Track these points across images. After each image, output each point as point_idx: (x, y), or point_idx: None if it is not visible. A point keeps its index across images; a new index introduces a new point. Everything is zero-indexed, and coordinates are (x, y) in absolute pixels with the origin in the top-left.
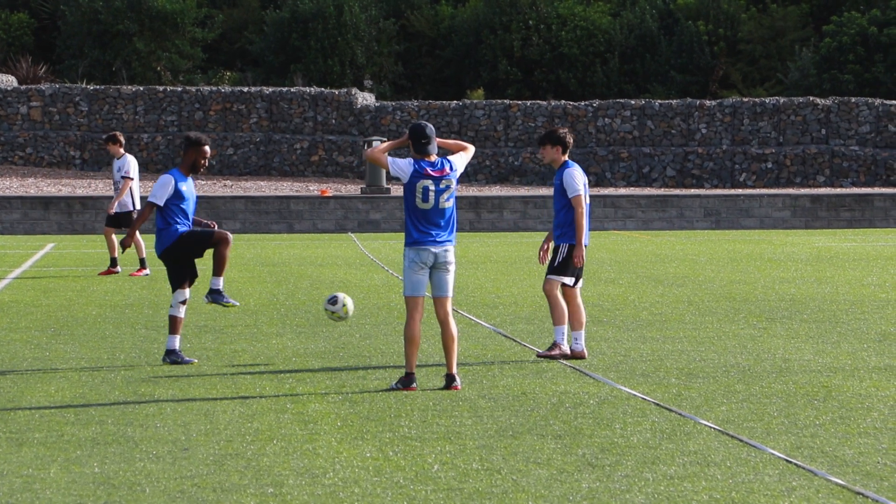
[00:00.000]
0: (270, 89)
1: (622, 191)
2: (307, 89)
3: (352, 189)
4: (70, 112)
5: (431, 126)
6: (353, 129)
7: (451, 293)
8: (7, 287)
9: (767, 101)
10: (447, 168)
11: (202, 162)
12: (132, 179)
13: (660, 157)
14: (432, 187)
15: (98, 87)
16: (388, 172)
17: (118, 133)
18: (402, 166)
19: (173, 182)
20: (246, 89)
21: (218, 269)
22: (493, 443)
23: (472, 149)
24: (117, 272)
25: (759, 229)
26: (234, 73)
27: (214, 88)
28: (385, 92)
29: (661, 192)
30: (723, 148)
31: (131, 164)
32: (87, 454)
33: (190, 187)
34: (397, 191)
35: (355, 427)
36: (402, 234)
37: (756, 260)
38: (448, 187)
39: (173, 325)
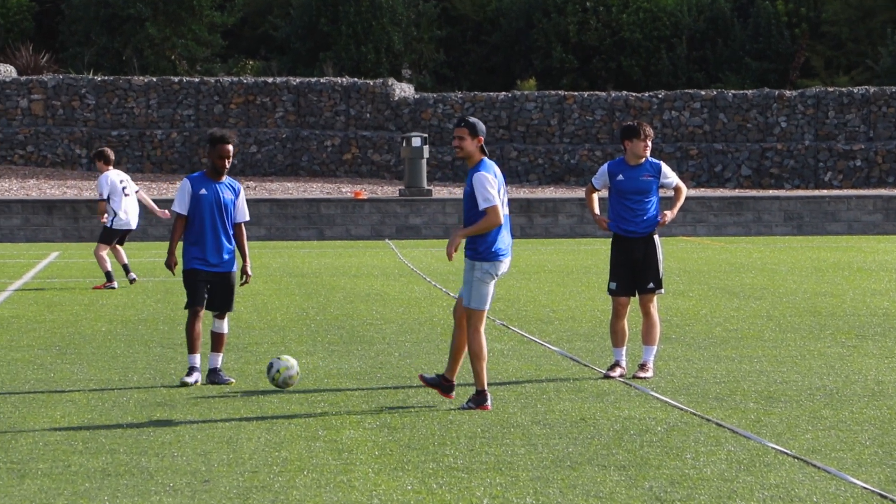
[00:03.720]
0: (298, 80)
1: (692, 192)
2: (339, 80)
3: (389, 191)
4: (75, 106)
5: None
6: (390, 123)
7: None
8: (7, 301)
9: (856, 90)
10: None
11: (220, 162)
12: (104, 201)
13: (734, 155)
14: (502, 194)
15: (106, 77)
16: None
17: (105, 149)
18: None
19: (189, 186)
20: (270, 80)
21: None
22: (549, 474)
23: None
24: (114, 287)
25: (847, 235)
26: (258, 61)
27: (235, 79)
28: (425, 82)
29: (736, 193)
30: (805, 144)
31: (100, 182)
32: (97, 487)
33: (214, 191)
34: (439, 192)
35: (395, 456)
36: (445, 242)
37: (844, 269)
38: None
39: (211, 342)
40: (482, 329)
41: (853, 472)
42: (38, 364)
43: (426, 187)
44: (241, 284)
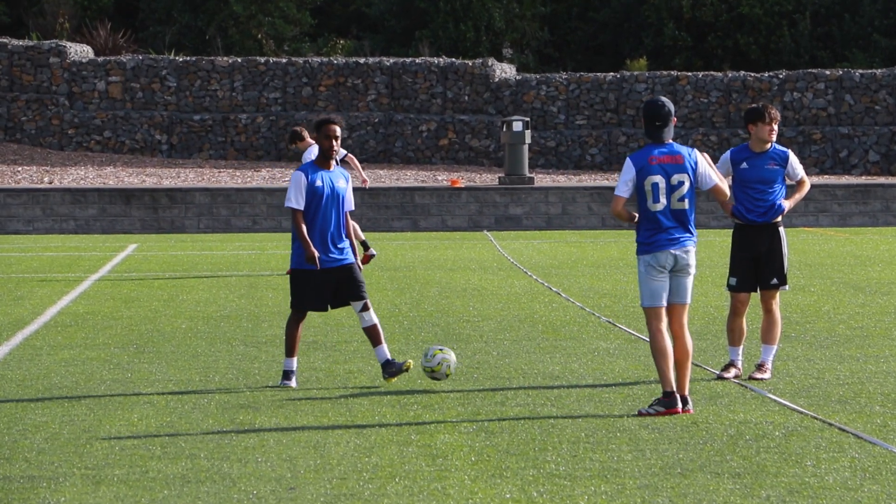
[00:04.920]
0: (391, 60)
1: (815, 179)
2: (435, 60)
3: (488, 179)
4: (156, 88)
5: (670, 104)
6: (490, 106)
7: (689, 300)
8: (82, 296)
9: None
10: (683, 156)
11: (327, 143)
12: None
13: (861, 139)
14: (662, 184)
15: (188, 58)
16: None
17: (299, 129)
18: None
19: (303, 178)
20: (362, 60)
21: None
22: (658, 482)
23: (727, 193)
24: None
25: None
26: (349, 41)
27: (325, 60)
28: (528, 62)
29: (863, 180)
30: None
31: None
32: (176, 494)
33: (328, 181)
34: (541, 181)
35: (492, 462)
36: (547, 233)
37: None
38: (682, 184)
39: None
40: (662, 328)
41: None
42: (114, 363)
43: (527, 175)
44: None
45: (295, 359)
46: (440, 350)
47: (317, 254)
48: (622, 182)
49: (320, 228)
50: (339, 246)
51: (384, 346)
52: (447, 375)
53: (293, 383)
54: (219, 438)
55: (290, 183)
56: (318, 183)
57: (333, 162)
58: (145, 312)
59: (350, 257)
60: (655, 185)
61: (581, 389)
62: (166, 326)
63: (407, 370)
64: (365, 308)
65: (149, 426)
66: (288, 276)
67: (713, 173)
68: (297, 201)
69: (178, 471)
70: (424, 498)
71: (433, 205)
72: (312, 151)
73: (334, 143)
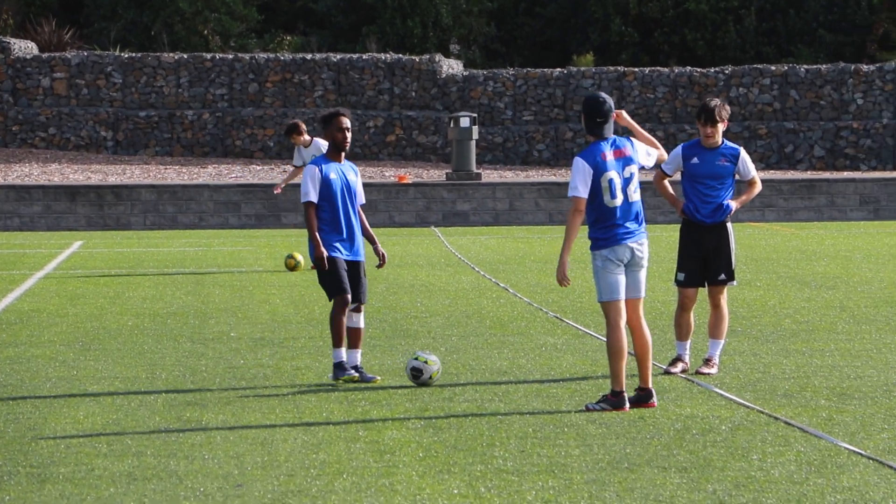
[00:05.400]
0: (339, 56)
1: (760, 174)
2: (382, 56)
3: (435, 175)
4: (101, 85)
5: (610, 99)
6: (437, 102)
7: (644, 293)
8: (27, 293)
9: None
10: (628, 148)
11: (340, 135)
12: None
13: (806, 134)
14: (618, 179)
15: (134, 54)
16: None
17: (298, 122)
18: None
19: (317, 170)
20: (310, 56)
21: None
22: (606, 477)
23: (662, 152)
24: None
25: None
26: (296, 37)
27: (272, 56)
28: (475, 58)
29: (808, 175)
30: (883, 122)
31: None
32: (123, 492)
33: (341, 174)
34: (489, 176)
35: (440, 458)
36: (495, 229)
37: None
38: (633, 175)
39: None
40: (621, 324)
41: None
42: (59, 361)
43: (475, 171)
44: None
45: (343, 349)
46: (434, 361)
47: (326, 254)
48: (579, 182)
49: (341, 220)
50: (354, 240)
51: (360, 351)
52: (431, 377)
53: (351, 372)
54: (165, 436)
55: (305, 176)
56: (333, 176)
57: (343, 155)
58: (91, 310)
59: (362, 255)
60: (612, 182)
61: (529, 385)
62: (112, 324)
63: (374, 382)
64: (357, 310)
65: (95, 424)
66: (315, 270)
67: (643, 143)
68: (311, 194)
69: (124, 468)
70: (372, 494)
71: (380, 201)
72: (317, 146)
73: (347, 134)
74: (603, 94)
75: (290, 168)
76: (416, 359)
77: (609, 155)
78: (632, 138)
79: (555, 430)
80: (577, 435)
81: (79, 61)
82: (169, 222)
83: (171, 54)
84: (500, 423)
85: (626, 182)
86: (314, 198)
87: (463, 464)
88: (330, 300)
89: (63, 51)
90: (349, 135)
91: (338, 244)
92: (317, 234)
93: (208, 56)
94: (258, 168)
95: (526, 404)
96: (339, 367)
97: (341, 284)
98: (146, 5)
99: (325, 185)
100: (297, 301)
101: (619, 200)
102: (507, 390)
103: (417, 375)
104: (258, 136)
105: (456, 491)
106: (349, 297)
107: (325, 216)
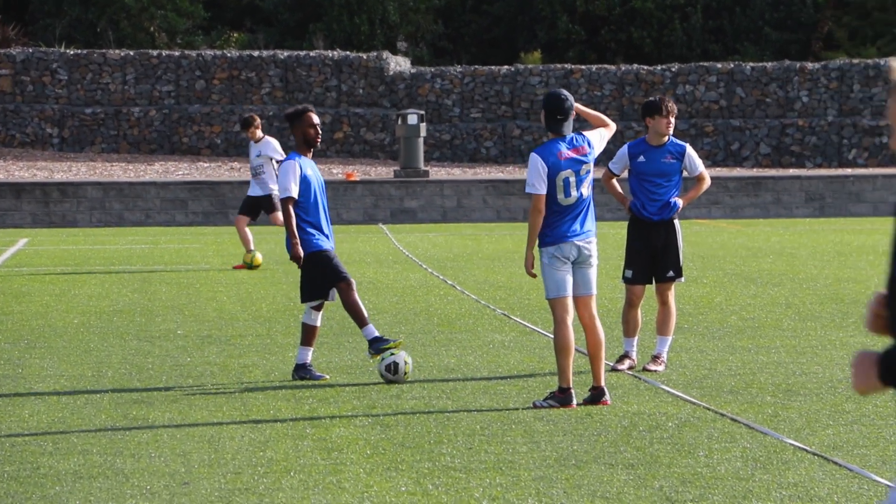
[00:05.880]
0: (286, 53)
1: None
2: (329, 53)
3: (383, 172)
4: (46, 81)
5: (570, 97)
6: (385, 100)
7: (595, 290)
8: None
9: (882, 62)
10: (584, 146)
11: (311, 131)
12: (278, 162)
13: (752, 132)
14: (573, 178)
15: (80, 51)
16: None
17: (253, 115)
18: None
19: (297, 165)
20: (256, 54)
21: (360, 320)
22: (553, 474)
23: (613, 126)
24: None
25: (873, 216)
26: (243, 34)
27: (219, 53)
28: (422, 56)
29: (754, 172)
30: (828, 119)
31: (276, 146)
32: (69, 490)
33: (315, 169)
34: (437, 174)
35: (388, 456)
36: (443, 226)
37: (868, 253)
38: (588, 173)
39: (307, 335)
40: (566, 319)
41: (876, 470)
42: (4, 359)
43: (423, 168)
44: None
45: (370, 325)
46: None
47: (302, 254)
48: (536, 179)
49: (321, 215)
50: (330, 236)
51: (311, 349)
52: (405, 373)
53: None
54: (111, 434)
55: (283, 172)
56: (310, 172)
57: (315, 147)
58: (36, 307)
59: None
60: (567, 181)
61: (476, 382)
62: (58, 321)
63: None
64: (319, 308)
65: (40, 422)
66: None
67: (595, 131)
68: (292, 189)
69: (70, 467)
70: (319, 491)
71: (328, 198)
72: (266, 143)
73: (318, 129)
74: (564, 92)
75: (271, 165)
76: (384, 358)
77: (566, 153)
78: (586, 133)
79: (502, 428)
80: (524, 432)
81: (24, 58)
82: (115, 219)
83: (118, 51)
84: (448, 420)
85: (581, 180)
86: (295, 193)
87: (410, 461)
88: (303, 301)
89: (8, 47)
90: (319, 130)
91: (321, 238)
92: (296, 231)
93: (155, 53)
94: (205, 165)
95: (473, 401)
96: (374, 342)
97: (340, 272)
98: (92, 2)
99: (304, 181)
100: (245, 298)
101: (572, 199)
102: (455, 388)
103: (395, 369)
104: (205, 133)
105: (403, 488)
106: (351, 278)
107: (308, 211)
